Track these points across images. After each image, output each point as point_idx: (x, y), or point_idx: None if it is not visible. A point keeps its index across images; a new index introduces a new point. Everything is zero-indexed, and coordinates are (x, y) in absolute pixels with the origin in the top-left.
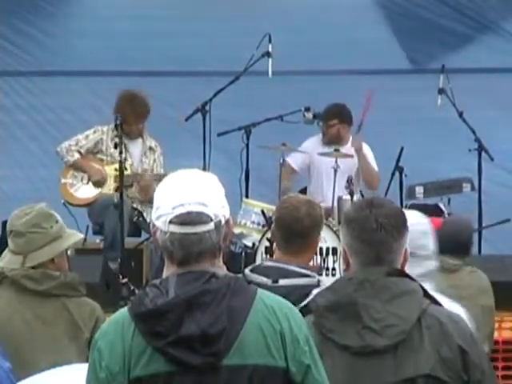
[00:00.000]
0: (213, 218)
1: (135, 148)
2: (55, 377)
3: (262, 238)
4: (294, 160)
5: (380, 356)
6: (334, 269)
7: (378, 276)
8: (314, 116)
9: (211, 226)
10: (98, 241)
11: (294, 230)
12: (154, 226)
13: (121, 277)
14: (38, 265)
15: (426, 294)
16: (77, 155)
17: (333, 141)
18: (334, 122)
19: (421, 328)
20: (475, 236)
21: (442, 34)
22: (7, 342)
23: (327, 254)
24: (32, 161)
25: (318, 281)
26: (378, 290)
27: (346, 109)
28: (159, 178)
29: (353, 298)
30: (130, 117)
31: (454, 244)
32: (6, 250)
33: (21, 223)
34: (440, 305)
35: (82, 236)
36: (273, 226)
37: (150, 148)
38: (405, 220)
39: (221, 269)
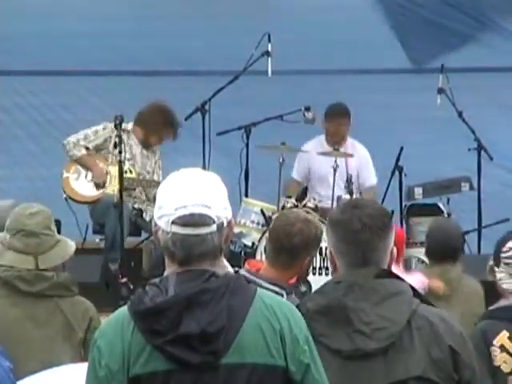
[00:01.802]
0: (215, 220)
1: (138, 149)
2: (54, 377)
3: (261, 238)
4: (298, 174)
5: (371, 359)
6: None
7: (366, 278)
8: (325, 116)
9: (213, 228)
10: (97, 240)
11: (284, 245)
12: (155, 224)
13: (120, 276)
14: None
15: (415, 293)
16: (83, 151)
17: (340, 139)
18: (345, 120)
19: (411, 329)
20: (475, 236)
21: (441, 34)
22: (0, 342)
23: (327, 254)
24: (32, 160)
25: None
26: (366, 293)
27: (348, 108)
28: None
29: (342, 301)
30: (166, 134)
31: (444, 249)
32: (1, 246)
33: (34, 223)
34: (430, 304)
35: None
36: (267, 235)
37: (152, 150)
38: (389, 219)
39: (221, 268)
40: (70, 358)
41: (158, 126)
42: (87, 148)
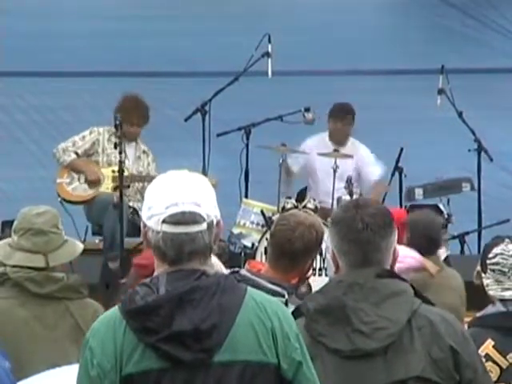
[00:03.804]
0: (206, 218)
1: (130, 151)
2: (52, 377)
3: (261, 238)
4: (295, 163)
5: (370, 359)
6: None
7: (367, 278)
8: (331, 114)
9: (204, 226)
10: (97, 241)
11: (284, 250)
12: (145, 225)
13: (120, 277)
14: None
15: (416, 293)
16: (73, 155)
17: (344, 138)
18: (349, 118)
19: (411, 329)
20: (475, 236)
21: (441, 34)
22: (7, 342)
23: (327, 254)
24: (31, 161)
25: (287, 300)
26: (367, 293)
27: (351, 107)
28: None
29: (342, 301)
30: (134, 118)
31: (426, 241)
32: (9, 248)
33: (42, 222)
34: (432, 304)
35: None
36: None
37: (144, 151)
38: (391, 219)
39: (211, 267)
40: (77, 360)
41: (122, 113)
42: (77, 154)
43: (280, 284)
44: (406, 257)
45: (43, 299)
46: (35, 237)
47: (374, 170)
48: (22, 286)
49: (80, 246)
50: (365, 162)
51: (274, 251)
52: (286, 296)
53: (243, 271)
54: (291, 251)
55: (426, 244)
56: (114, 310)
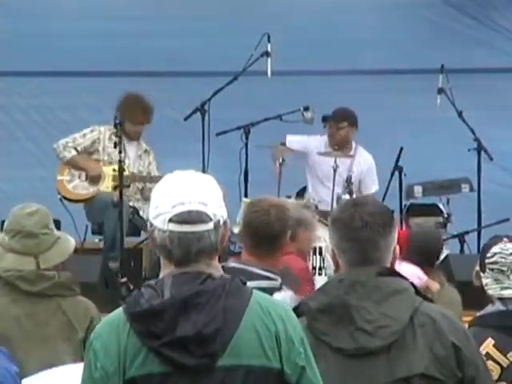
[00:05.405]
0: (212, 217)
1: (131, 150)
2: (54, 377)
3: None
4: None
5: (374, 357)
6: None
7: (368, 277)
8: (324, 119)
9: (210, 225)
10: (96, 240)
11: (264, 235)
12: (151, 225)
13: (120, 276)
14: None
15: (417, 292)
16: (74, 152)
17: (340, 143)
18: (344, 124)
19: (414, 327)
20: (475, 236)
21: (441, 34)
22: (0, 341)
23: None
24: (31, 161)
25: (281, 284)
26: (369, 291)
27: (354, 113)
28: (156, 179)
29: (344, 300)
30: (138, 117)
31: (423, 256)
32: (0, 248)
33: (32, 223)
34: (432, 302)
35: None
36: (241, 227)
37: (145, 150)
38: (390, 217)
39: (217, 269)
40: (70, 357)
41: (125, 111)
42: (77, 150)
43: (271, 270)
44: (412, 276)
45: (34, 297)
46: (26, 239)
47: (372, 185)
48: (13, 284)
49: (72, 243)
50: (366, 171)
51: (252, 238)
52: (280, 280)
53: (231, 264)
54: (271, 234)
55: (423, 260)
56: (119, 312)
